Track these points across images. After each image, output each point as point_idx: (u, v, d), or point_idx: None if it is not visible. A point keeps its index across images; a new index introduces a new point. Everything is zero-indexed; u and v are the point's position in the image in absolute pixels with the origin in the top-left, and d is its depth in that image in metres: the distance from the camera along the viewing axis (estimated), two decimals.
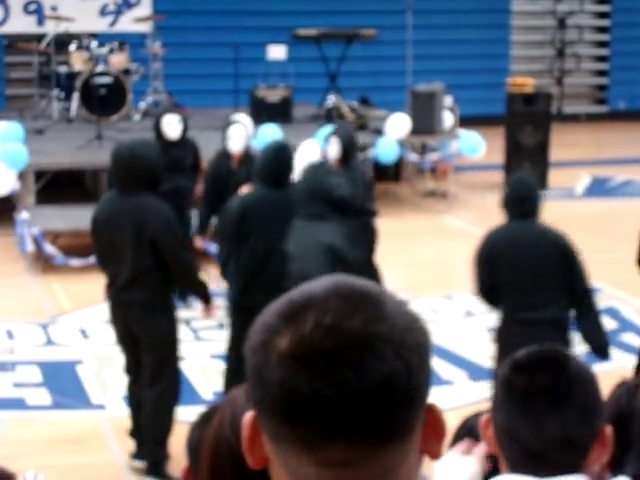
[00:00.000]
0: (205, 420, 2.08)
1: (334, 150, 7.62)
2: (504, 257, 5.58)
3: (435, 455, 1.23)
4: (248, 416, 1.23)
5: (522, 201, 5.67)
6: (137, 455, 5.97)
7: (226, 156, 8.25)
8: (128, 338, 5.81)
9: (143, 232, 5.51)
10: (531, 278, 5.53)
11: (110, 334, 8.10)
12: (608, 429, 2.08)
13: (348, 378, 1.14)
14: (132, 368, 5.93)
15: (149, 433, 5.80)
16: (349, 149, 7.63)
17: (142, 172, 5.52)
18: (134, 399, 5.97)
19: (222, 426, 1.86)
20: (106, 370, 7.46)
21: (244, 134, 8.25)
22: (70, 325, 8.31)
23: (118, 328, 5.85)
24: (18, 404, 6.88)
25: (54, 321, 8.35)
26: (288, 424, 1.16)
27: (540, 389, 2.08)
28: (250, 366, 1.20)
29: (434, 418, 1.22)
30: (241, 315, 6.12)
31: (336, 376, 1.14)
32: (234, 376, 6.15)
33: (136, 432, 5.98)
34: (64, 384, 7.19)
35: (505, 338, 5.55)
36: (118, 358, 7.64)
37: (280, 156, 6.24)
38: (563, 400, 2.07)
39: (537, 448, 2.05)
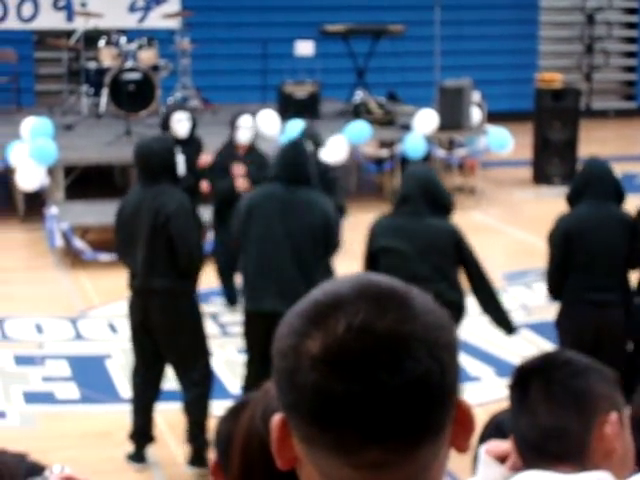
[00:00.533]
0: (234, 414, 2.08)
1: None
2: (580, 239, 5.62)
3: (463, 449, 1.23)
4: (277, 418, 1.21)
5: (599, 182, 5.71)
6: (135, 457, 5.97)
7: (232, 147, 8.40)
8: (142, 333, 5.81)
9: (159, 216, 5.65)
10: (604, 260, 5.59)
11: None
12: (613, 417, 2.05)
13: (383, 380, 1.13)
14: (141, 368, 5.93)
15: (192, 422, 5.83)
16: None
17: (157, 163, 5.72)
18: (141, 400, 5.95)
19: (254, 420, 1.86)
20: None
21: (252, 125, 8.42)
22: (99, 319, 8.36)
23: (135, 320, 5.85)
24: (47, 398, 6.94)
25: (83, 316, 8.40)
26: (322, 428, 1.15)
27: (534, 383, 2.08)
28: (279, 371, 1.18)
29: (463, 413, 1.21)
30: (250, 324, 5.90)
31: (370, 379, 1.13)
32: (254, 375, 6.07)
33: (138, 434, 5.96)
34: (93, 378, 7.25)
35: (573, 321, 5.58)
36: None
37: (294, 154, 6.07)
38: (557, 392, 2.08)
39: (551, 447, 2.04)
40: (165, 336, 5.77)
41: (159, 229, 5.65)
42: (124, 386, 7.10)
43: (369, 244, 5.70)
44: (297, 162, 6.00)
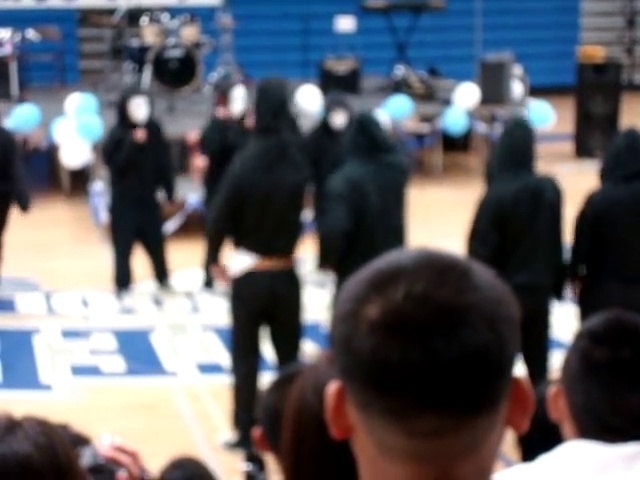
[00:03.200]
0: (281, 386, 2.09)
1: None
2: (611, 218, 5.51)
3: (521, 428, 1.23)
4: (333, 386, 1.22)
5: (631, 156, 5.55)
6: (241, 444, 5.77)
7: (220, 121, 8.47)
8: (263, 313, 5.75)
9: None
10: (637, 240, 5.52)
11: (182, 303, 8.32)
12: None
13: (440, 348, 1.13)
14: (256, 349, 5.82)
15: None
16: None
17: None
18: (253, 384, 5.79)
19: (305, 391, 1.86)
20: (178, 338, 7.62)
21: (244, 96, 8.55)
22: (143, 293, 8.49)
23: (260, 299, 5.72)
24: (93, 371, 7.08)
25: (128, 290, 8.53)
26: (378, 393, 1.16)
27: (622, 363, 2.01)
28: (337, 335, 1.19)
29: (521, 391, 1.22)
30: None
31: (428, 346, 1.13)
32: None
33: (243, 421, 5.77)
34: (138, 351, 7.37)
35: (601, 298, 5.46)
36: (191, 326, 7.84)
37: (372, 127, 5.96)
38: None
39: (616, 423, 2.00)
40: (288, 315, 5.82)
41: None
42: (168, 359, 7.22)
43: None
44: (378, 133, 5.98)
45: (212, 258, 5.88)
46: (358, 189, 5.78)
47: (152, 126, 8.38)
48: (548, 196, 5.59)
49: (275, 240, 5.69)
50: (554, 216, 5.59)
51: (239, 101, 8.51)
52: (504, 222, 5.47)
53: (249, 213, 5.67)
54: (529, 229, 5.50)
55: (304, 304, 5.95)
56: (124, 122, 8.24)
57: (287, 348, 5.85)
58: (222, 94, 8.63)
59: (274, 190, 5.66)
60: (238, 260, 5.75)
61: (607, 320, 2.08)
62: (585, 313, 5.58)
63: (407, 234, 6.09)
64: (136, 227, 8.18)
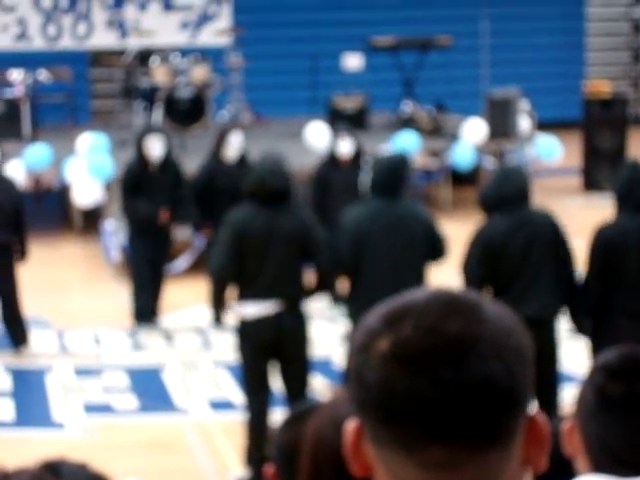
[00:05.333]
0: (296, 422, 2.08)
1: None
2: (621, 251, 5.52)
3: (539, 467, 1.22)
4: (351, 423, 1.23)
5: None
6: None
7: (218, 162, 8.62)
8: (270, 348, 5.83)
9: None
10: None
11: (193, 339, 8.37)
12: None
13: (447, 378, 1.15)
14: (265, 385, 5.89)
15: None
16: None
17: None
18: (264, 420, 5.86)
19: (322, 427, 1.87)
20: (190, 374, 7.66)
21: (242, 141, 8.65)
22: (154, 331, 8.54)
23: (266, 335, 5.80)
24: (106, 409, 7.11)
25: (135, 327, 8.58)
26: (388, 424, 1.17)
27: (638, 398, 1.99)
28: (352, 368, 1.22)
29: (537, 428, 1.22)
30: None
31: (435, 376, 1.15)
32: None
33: (255, 458, 5.82)
34: (150, 389, 7.41)
35: (612, 332, 5.44)
36: (202, 362, 7.89)
37: (394, 167, 6.09)
38: None
39: (632, 458, 1.98)
40: (294, 353, 5.90)
41: None
42: (180, 396, 7.26)
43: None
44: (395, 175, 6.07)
45: (217, 304, 6.02)
46: (364, 228, 5.90)
47: (168, 163, 8.51)
48: (542, 231, 5.64)
49: (277, 284, 5.78)
50: (551, 250, 5.63)
51: (235, 146, 8.60)
52: (495, 258, 5.53)
53: (249, 259, 5.80)
54: (522, 264, 5.55)
55: (311, 340, 6.01)
56: (141, 159, 8.35)
57: (296, 384, 5.90)
58: (220, 137, 8.71)
59: (272, 235, 5.80)
60: (244, 310, 5.85)
61: (622, 355, 2.06)
62: (597, 348, 5.57)
63: (422, 277, 6.03)
64: (149, 261, 8.33)
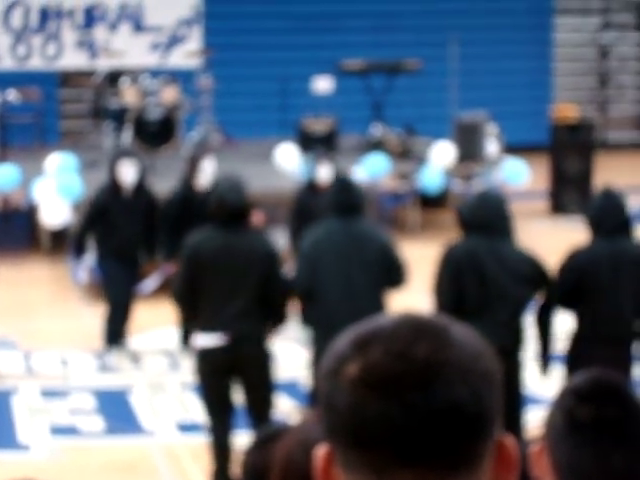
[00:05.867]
0: (263, 444, 2.09)
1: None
2: (592, 275, 5.54)
3: None
4: (321, 449, 1.23)
5: (612, 216, 5.66)
6: None
7: (190, 189, 8.53)
8: (229, 370, 5.82)
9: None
10: (615, 295, 5.56)
11: (160, 361, 8.34)
12: None
13: (416, 403, 1.16)
14: (226, 406, 5.89)
15: None
16: None
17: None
18: (226, 441, 5.87)
19: (292, 450, 1.88)
20: (157, 397, 7.64)
21: (214, 167, 8.54)
22: (122, 352, 8.51)
23: (223, 355, 5.79)
24: (72, 431, 7.07)
25: (106, 349, 8.55)
26: (358, 448, 1.18)
27: (607, 421, 1.99)
28: (322, 394, 1.23)
29: (506, 451, 1.22)
30: None
31: (405, 400, 1.16)
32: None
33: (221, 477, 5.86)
34: (116, 411, 7.38)
35: (584, 358, 5.47)
36: (170, 385, 7.86)
37: (351, 188, 6.11)
38: (630, 433, 2.01)
39: (594, 476, 1.98)
40: (255, 381, 5.87)
41: None
42: (147, 418, 7.23)
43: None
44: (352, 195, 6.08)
45: (182, 326, 6.01)
46: (318, 248, 5.89)
47: (142, 189, 8.39)
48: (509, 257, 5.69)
49: (233, 311, 5.69)
50: (507, 276, 5.65)
51: (208, 172, 8.50)
52: (460, 279, 5.56)
53: (204, 281, 5.75)
54: (481, 287, 5.58)
55: (274, 363, 5.97)
56: (113, 184, 8.25)
57: (259, 408, 5.86)
58: (192, 164, 8.62)
59: (228, 257, 5.72)
60: (199, 340, 5.85)
61: (591, 378, 2.06)
62: (570, 372, 5.58)
63: (380, 300, 5.99)
64: (120, 283, 8.25)
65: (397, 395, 1.16)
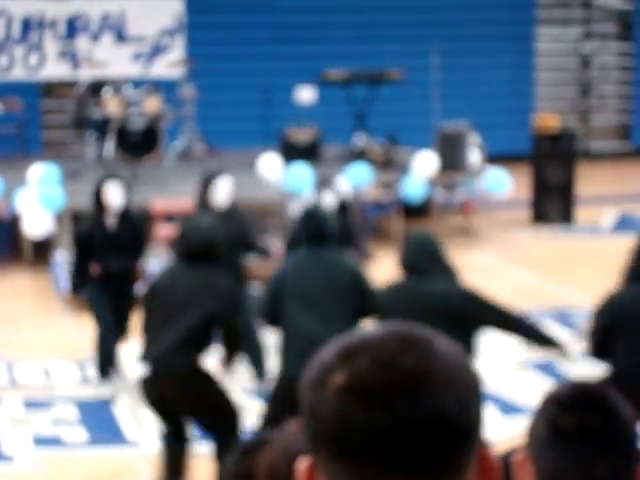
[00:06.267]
0: (248, 454, 2.06)
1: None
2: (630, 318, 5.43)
3: None
4: (303, 462, 1.23)
5: None
6: None
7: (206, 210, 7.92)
8: (169, 411, 5.94)
9: None
10: None
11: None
12: None
13: (403, 411, 1.16)
14: (177, 433, 5.99)
15: None
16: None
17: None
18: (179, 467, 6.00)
19: (275, 460, 1.88)
20: (140, 407, 7.62)
21: (231, 185, 8.09)
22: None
23: (155, 403, 5.91)
24: (55, 441, 7.05)
25: (89, 359, 8.52)
26: (343, 458, 1.18)
27: (590, 430, 2.00)
28: (305, 403, 1.22)
29: (487, 462, 1.24)
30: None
31: (391, 409, 1.16)
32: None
33: None
34: (100, 421, 7.36)
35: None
36: None
37: (319, 217, 6.04)
38: (613, 442, 2.02)
39: None
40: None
41: None
42: (130, 429, 7.22)
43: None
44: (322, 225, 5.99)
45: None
46: (288, 278, 5.86)
47: (129, 214, 7.97)
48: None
49: (175, 349, 5.69)
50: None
51: (224, 192, 7.95)
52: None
53: (156, 316, 5.84)
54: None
55: (219, 395, 5.80)
56: (99, 209, 7.86)
57: (212, 430, 5.86)
58: (206, 183, 8.04)
59: (180, 295, 5.72)
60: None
61: (574, 387, 2.07)
62: None
63: (351, 328, 5.90)
64: (112, 311, 7.84)
65: (383, 404, 1.17)
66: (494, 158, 13.55)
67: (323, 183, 9.19)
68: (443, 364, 1.21)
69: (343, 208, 9.12)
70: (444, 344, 1.24)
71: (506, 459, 2.34)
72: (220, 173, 8.13)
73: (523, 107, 16.78)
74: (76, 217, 11.13)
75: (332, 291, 5.80)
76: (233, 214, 7.94)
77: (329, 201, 8.72)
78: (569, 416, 2.01)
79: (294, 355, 5.66)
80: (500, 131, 15.93)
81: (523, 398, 7.52)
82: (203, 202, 8.00)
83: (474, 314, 5.48)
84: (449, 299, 5.45)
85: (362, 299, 5.84)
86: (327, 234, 5.98)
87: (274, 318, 5.87)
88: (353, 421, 1.17)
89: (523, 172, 13.44)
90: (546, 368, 8.10)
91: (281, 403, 5.62)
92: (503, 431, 6.89)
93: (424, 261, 5.52)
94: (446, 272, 5.57)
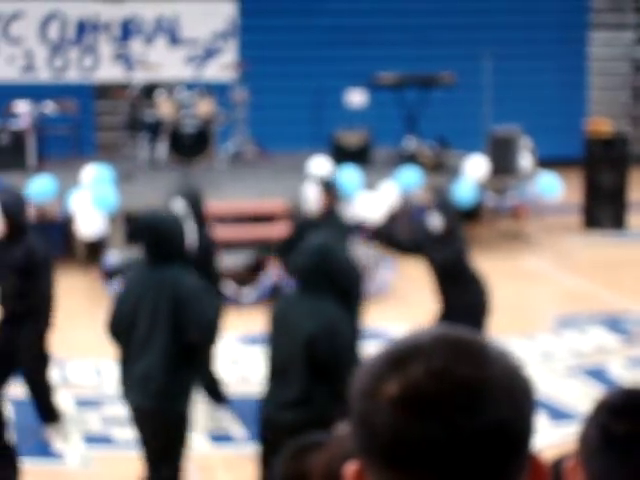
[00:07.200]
0: (299, 454, 2.09)
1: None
2: None
3: None
4: (351, 466, 1.21)
5: None
6: None
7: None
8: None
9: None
10: None
11: None
12: None
13: (460, 423, 1.14)
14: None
15: None
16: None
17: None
18: None
19: (333, 460, 1.88)
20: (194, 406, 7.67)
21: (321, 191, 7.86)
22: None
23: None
24: (105, 440, 7.12)
25: None
26: (398, 470, 1.15)
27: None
28: (356, 414, 1.19)
29: (538, 467, 1.22)
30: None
31: (448, 421, 1.14)
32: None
33: None
34: None
35: None
36: (198, 396, 7.91)
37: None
38: None
39: None
40: None
41: None
42: None
43: None
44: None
45: None
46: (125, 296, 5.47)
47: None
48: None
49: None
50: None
51: (312, 198, 7.83)
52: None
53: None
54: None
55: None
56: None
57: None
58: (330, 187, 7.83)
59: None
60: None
61: (625, 393, 2.05)
62: None
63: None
64: None
65: (440, 416, 1.14)
66: (545, 162, 13.47)
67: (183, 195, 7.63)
68: (499, 372, 1.18)
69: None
70: (498, 350, 1.21)
71: (557, 465, 2.33)
72: (308, 180, 8.03)
73: (575, 111, 16.67)
74: (128, 218, 11.26)
75: (158, 314, 5.32)
76: (332, 218, 7.80)
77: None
78: (620, 422, 2.00)
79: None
80: (552, 135, 15.83)
81: (573, 404, 7.47)
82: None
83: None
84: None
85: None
86: (166, 248, 5.29)
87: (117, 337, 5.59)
88: (409, 434, 1.14)
89: (575, 177, 13.35)
90: (596, 374, 8.05)
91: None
92: (552, 437, 6.86)
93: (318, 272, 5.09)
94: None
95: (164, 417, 5.36)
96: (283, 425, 4.93)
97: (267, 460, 4.91)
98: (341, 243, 7.53)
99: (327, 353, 4.91)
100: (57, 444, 7.00)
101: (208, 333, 5.26)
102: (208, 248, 7.16)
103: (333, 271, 5.17)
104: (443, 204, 7.45)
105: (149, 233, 5.31)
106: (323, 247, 5.25)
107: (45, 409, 7.06)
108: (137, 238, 5.48)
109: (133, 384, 5.32)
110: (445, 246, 7.25)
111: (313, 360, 4.93)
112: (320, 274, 5.09)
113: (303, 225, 7.86)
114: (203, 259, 6.96)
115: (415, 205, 12.26)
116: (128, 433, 7.20)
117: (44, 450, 6.94)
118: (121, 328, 5.48)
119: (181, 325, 5.19)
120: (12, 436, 6.02)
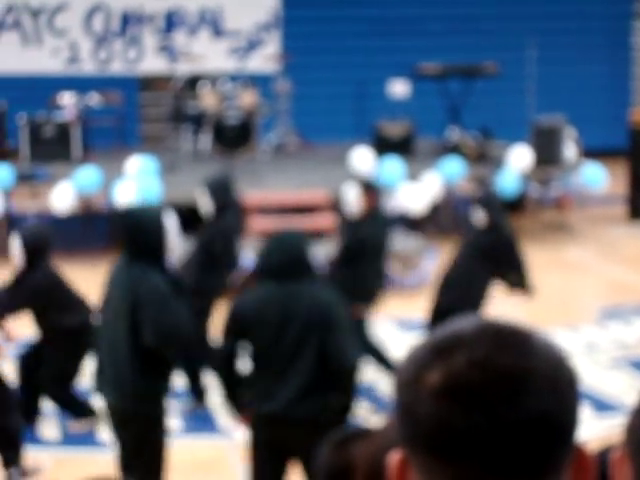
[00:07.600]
0: (343, 444, 2.10)
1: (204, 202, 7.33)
2: None
3: None
4: (395, 457, 1.22)
5: None
6: None
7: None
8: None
9: None
10: None
11: None
12: None
13: (503, 414, 1.13)
14: None
15: None
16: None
17: None
18: None
19: (380, 451, 1.88)
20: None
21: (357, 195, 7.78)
22: None
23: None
24: None
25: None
26: (442, 460, 1.16)
27: None
28: (399, 402, 1.20)
29: (583, 458, 1.21)
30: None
31: (491, 412, 1.14)
32: None
33: None
34: (193, 410, 7.48)
35: None
36: None
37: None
38: None
39: None
40: None
41: None
42: (223, 418, 7.32)
43: None
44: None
45: None
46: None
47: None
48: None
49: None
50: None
51: (352, 201, 7.76)
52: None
53: None
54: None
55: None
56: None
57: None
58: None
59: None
60: None
61: None
62: None
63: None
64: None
65: (484, 407, 1.14)
66: (590, 153, 13.37)
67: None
68: (543, 362, 1.17)
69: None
70: (542, 340, 1.20)
71: (603, 457, 2.31)
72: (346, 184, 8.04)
73: (620, 101, 16.51)
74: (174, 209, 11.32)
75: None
76: (376, 220, 7.71)
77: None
78: None
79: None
80: (596, 125, 15.71)
81: (617, 396, 7.43)
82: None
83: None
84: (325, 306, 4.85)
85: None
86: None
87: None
88: (452, 424, 1.15)
89: (619, 167, 13.24)
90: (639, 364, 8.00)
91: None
92: (596, 429, 6.83)
93: (291, 265, 4.85)
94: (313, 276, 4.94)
95: (134, 418, 5.19)
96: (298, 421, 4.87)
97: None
98: (384, 239, 7.56)
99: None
100: (102, 434, 7.08)
101: (167, 340, 4.99)
102: (232, 235, 7.46)
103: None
104: (487, 199, 7.44)
105: (123, 229, 5.24)
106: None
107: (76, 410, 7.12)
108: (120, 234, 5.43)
109: (104, 383, 5.20)
110: (488, 239, 7.25)
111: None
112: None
113: (347, 228, 7.84)
114: (225, 246, 7.32)
115: (458, 196, 12.23)
116: (171, 423, 7.27)
117: (89, 439, 7.01)
118: (96, 327, 5.46)
119: (138, 328, 4.98)
120: (19, 420, 6.14)
